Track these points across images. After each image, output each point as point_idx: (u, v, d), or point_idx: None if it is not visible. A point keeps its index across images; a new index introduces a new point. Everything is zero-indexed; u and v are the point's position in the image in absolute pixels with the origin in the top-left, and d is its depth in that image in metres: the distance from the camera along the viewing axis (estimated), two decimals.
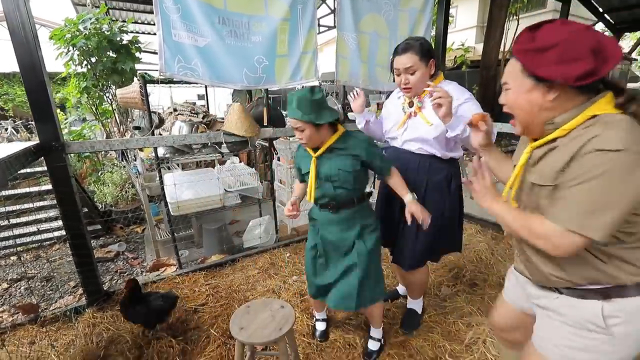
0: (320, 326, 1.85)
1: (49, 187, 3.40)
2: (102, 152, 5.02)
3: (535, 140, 0.90)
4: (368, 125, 1.78)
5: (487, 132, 1.09)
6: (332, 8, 4.79)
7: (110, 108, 4.67)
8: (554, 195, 0.82)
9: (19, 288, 2.71)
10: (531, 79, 0.82)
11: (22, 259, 3.16)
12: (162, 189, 2.56)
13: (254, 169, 3.30)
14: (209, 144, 2.86)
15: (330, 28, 5.94)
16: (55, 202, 2.81)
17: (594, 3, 4.45)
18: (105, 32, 3.93)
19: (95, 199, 3.86)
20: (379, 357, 1.70)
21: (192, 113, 3.68)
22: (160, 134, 3.17)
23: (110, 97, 4.47)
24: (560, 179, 0.80)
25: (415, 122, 1.56)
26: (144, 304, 1.77)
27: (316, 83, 2.64)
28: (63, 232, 3.11)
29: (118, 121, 4.80)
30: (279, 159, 3.34)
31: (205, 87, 5.12)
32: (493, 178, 0.97)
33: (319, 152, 1.44)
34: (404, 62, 1.48)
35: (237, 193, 2.89)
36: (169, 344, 1.77)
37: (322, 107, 1.35)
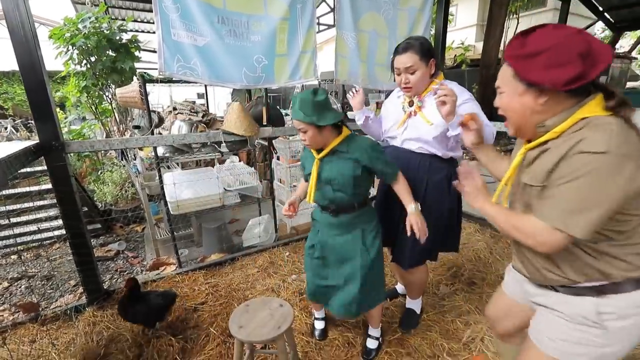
0: (319, 325, 1.86)
1: (49, 186, 3.41)
2: (102, 151, 5.02)
3: (529, 141, 0.92)
4: (367, 122, 1.77)
5: (478, 131, 1.14)
6: (332, 6, 4.79)
7: (109, 107, 4.67)
8: (542, 195, 0.85)
9: (20, 287, 2.72)
10: (522, 83, 0.84)
11: (22, 257, 3.17)
12: (162, 188, 2.57)
13: (253, 168, 3.30)
14: (209, 143, 2.86)
15: (330, 26, 5.94)
16: (55, 201, 2.82)
17: (594, 2, 4.44)
18: (105, 31, 3.92)
19: (95, 198, 3.87)
20: (378, 356, 1.71)
21: (191, 112, 3.69)
22: (160, 133, 3.17)
23: (110, 96, 4.47)
24: (549, 179, 0.82)
25: (415, 121, 1.56)
26: (143, 303, 1.78)
27: (315, 82, 2.64)
28: (63, 231, 3.12)
29: (118, 120, 4.80)
30: (278, 158, 3.34)
31: (205, 85, 5.13)
32: (485, 178, 1.01)
33: (322, 154, 1.44)
34: (404, 62, 1.48)
35: (237, 192, 2.89)
36: (169, 343, 1.78)
37: (325, 109, 1.34)
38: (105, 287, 2.18)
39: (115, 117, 4.79)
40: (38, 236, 3.35)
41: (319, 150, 1.45)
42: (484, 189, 0.99)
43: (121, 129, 4.80)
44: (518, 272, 1.07)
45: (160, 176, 2.54)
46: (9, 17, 1.56)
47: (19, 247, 3.27)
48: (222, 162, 3.67)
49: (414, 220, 1.40)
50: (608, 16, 4.91)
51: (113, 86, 4.27)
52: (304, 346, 1.78)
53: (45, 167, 1.86)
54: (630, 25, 5.39)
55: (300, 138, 1.40)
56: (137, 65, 4.20)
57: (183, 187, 2.61)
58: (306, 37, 2.37)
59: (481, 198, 0.98)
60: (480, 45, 7.80)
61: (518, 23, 8.68)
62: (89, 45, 3.82)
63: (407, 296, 1.96)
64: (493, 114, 1.29)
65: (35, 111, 1.71)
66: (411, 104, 1.58)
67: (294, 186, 3.09)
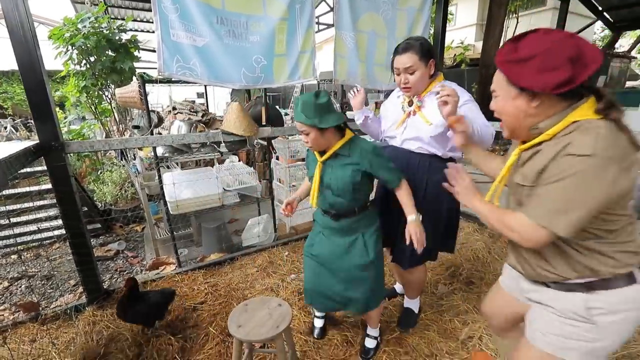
0: (319, 323, 1.87)
1: (49, 186, 3.42)
2: (102, 151, 5.03)
3: (524, 143, 0.94)
4: (366, 122, 1.77)
5: (464, 133, 1.20)
6: (332, 6, 4.79)
7: (109, 107, 4.68)
8: (531, 193, 0.89)
9: (20, 286, 2.73)
10: (515, 87, 0.87)
11: (22, 257, 3.18)
12: (161, 187, 2.57)
13: (252, 167, 3.31)
14: (208, 143, 2.87)
15: (329, 26, 5.94)
16: (55, 201, 2.83)
17: (593, 1, 4.44)
18: (104, 31, 3.93)
19: (95, 198, 3.88)
20: (376, 355, 1.72)
21: (191, 111, 3.70)
22: (160, 133, 3.18)
23: (110, 96, 4.48)
24: (538, 179, 0.86)
25: (415, 121, 1.57)
26: (142, 303, 1.79)
27: (314, 82, 2.64)
28: (63, 231, 3.13)
29: (117, 120, 4.81)
30: (277, 158, 3.35)
31: (205, 85, 5.13)
32: (473, 178, 1.06)
33: (325, 157, 1.43)
34: (404, 62, 1.48)
35: (236, 192, 2.90)
36: (168, 342, 1.79)
37: (326, 111, 1.33)
38: (105, 287, 2.19)
39: (114, 117, 4.80)
40: (38, 236, 3.36)
41: (321, 153, 1.45)
42: (472, 187, 1.04)
43: (121, 128, 4.80)
44: (513, 269, 1.10)
45: (159, 176, 2.54)
46: (8, 17, 1.56)
47: (19, 247, 3.28)
48: (221, 162, 3.68)
49: (413, 230, 1.39)
50: (607, 16, 4.91)
51: (112, 86, 4.28)
52: (303, 345, 1.79)
53: (45, 167, 1.86)
54: (630, 24, 5.40)
55: (303, 140, 1.41)
56: (137, 64, 4.20)
57: (182, 187, 2.62)
58: (305, 37, 2.37)
59: (471, 196, 1.03)
60: (479, 45, 7.80)
61: (517, 22, 8.68)
62: (89, 45, 3.82)
63: (405, 296, 1.97)
64: (492, 114, 1.30)
65: (34, 111, 1.72)
66: (410, 103, 1.59)
67: (293, 186, 3.10)
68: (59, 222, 3.37)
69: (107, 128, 5.00)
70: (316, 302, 1.65)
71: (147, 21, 6.30)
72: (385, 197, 1.73)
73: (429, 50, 1.49)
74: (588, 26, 7.17)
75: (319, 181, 1.46)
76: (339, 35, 2.53)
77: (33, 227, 3.35)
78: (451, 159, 1.63)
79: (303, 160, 3.20)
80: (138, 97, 2.46)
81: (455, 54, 9.52)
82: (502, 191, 1.08)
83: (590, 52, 0.79)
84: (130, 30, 6.11)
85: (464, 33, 11.88)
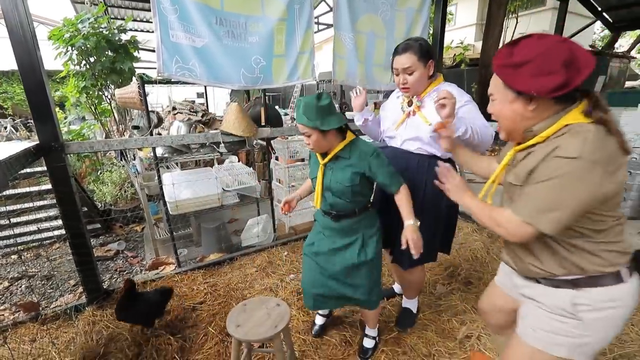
0: (319, 320, 1.88)
1: (49, 186, 3.42)
2: (101, 152, 5.04)
3: (520, 144, 0.97)
4: (366, 123, 1.78)
5: (450, 138, 1.24)
6: (331, 6, 4.79)
7: (109, 107, 4.69)
8: (520, 192, 0.92)
9: (20, 286, 2.74)
10: (512, 91, 0.89)
11: (22, 257, 3.18)
12: (161, 188, 2.58)
13: (252, 168, 3.32)
14: (207, 144, 2.88)
15: (329, 26, 5.95)
16: (55, 201, 2.83)
17: (593, 1, 4.45)
18: (104, 31, 3.93)
19: (95, 198, 3.88)
20: (374, 355, 1.73)
21: (191, 111, 3.70)
22: (159, 133, 3.18)
23: (109, 96, 4.49)
24: (528, 179, 0.89)
25: (414, 121, 1.57)
26: (140, 303, 1.79)
27: (313, 82, 2.65)
28: (63, 231, 3.13)
29: (117, 120, 4.82)
30: (276, 158, 3.36)
31: (205, 85, 5.13)
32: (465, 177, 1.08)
33: (326, 159, 1.44)
34: (403, 62, 1.49)
35: (235, 192, 2.91)
36: (168, 342, 1.79)
37: (328, 114, 1.33)
38: (104, 287, 2.20)
39: (114, 117, 4.80)
40: (38, 236, 3.37)
41: (323, 155, 1.46)
42: (462, 184, 1.09)
43: (120, 129, 4.81)
44: (507, 265, 1.13)
45: (159, 176, 2.55)
46: (8, 17, 1.57)
47: (19, 247, 3.29)
48: (221, 162, 3.68)
49: (410, 236, 1.37)
50: (607, 16, 4.92)
51: (112, 86, 4.28)
52: (301, 345, 1.79)
53: (45, 168, 1.87)
54: (629, 25, 5.41)
55: (305, 142, 1.41)
56: (136, 64, 4.21)
57: (182, 187, 2.62)
58: (304, 37, 2.38)
59: (461, 193, 1.08)
60: (479, 45, 7.80)
61: (517, 22, 8.68)
62: (88, 45, 3.83)
63: (403, 296, 1.98)
64: (491, 115, 1.32)
65: (34, 111, 1.72)
66: (410, 103, 1.59)
67: (292, 186, 3.11)
68: (59, 222, 3.38)
69: (106, 128, 5.00)
70: (315, 302, 1.65)
71: (147, 21, 6.31)
72: (385, 198, 1.74)
73: (428, 51, 1.50)
74: (587, 26, 7.18)
75: (321, 183, 1.47)
76: (338, 35, 2.54)
77: (33, 228, 3.36)
78: (450, 160, 1.63)
79: (302, 160, 3.20)
80: (138, 97, 2.46)
81: (454, 54, 9.51)
82: (497, 190, 1.10)
83: (583, 57, 0.80)
84: (130, 30, 6.12)
85: (463, 33, 11.88)
